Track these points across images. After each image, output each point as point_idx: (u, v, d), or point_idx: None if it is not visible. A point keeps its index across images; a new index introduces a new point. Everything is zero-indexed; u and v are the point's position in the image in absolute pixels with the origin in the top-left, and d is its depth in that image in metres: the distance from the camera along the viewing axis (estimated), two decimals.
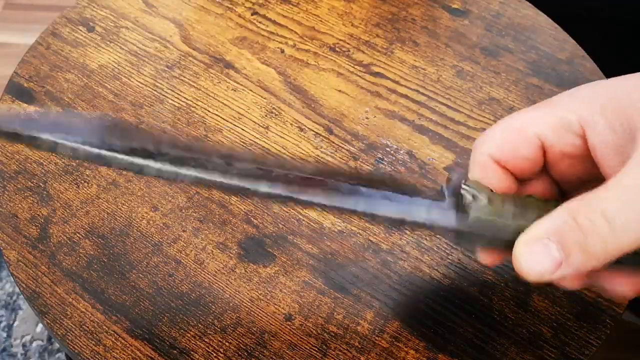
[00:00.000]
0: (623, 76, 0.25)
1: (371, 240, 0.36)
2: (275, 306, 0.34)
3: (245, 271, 0.36)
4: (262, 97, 0.43)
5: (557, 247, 0.23)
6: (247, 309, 0.34)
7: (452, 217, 0.26)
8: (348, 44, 0.45)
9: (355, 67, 0.44)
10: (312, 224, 0.37)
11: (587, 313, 0.34)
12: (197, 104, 0.42)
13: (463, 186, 0.27)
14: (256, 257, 0.36)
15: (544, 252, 0.23)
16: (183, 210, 0.38)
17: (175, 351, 0.33)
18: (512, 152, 0.26)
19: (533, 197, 0.26)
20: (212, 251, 0.36)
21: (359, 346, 0.33)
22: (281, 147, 0.40)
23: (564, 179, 0.28)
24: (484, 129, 0.40)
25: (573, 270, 0.23)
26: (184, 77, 0.44)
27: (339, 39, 0.46)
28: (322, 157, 0.40)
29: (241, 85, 0.43)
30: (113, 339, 0.33)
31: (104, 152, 0.27)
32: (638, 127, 0.23)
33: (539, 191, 0.29)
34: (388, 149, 0.40)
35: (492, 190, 0.27)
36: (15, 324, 0.83)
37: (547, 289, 0.35)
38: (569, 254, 0.23)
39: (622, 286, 0.26)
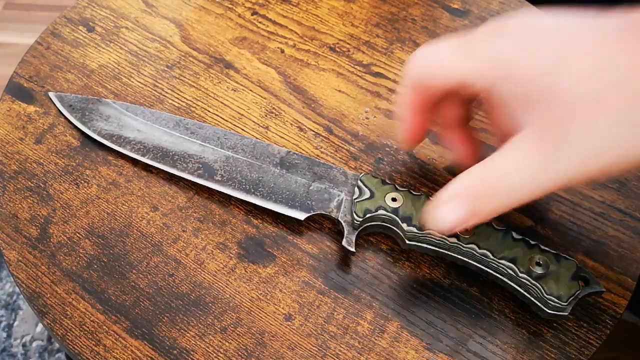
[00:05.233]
0: (532, 29, 0.29)
1: (371, 241, 0.36)
2: (275, 306, 0.34)
3: (245, 271, 0.36)
4: (262, 97, 0.43)
5: (470, 202, 0.29)
6: (247, 309, 0.34)
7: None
8: (348, 44, 0.45)
9: (355, 67, 0.44)
10: (312, 224, 0.37)
11: (587, 313, 0.34)
12: (197, 104, 0.42)
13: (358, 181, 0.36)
14: (256, 257, 0.36)
15: (456, 207, 0.29)
16: (183, 210, 0.38)
17: (175, 351, 0.33)
18: (438, 81, 0.32)
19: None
20: (212, 251, 0.36)
21: (359, 346, 0.33)
22: (281, 147, 0.40)
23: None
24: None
25: (481, 218, 0.30)
26: (184, 77, 0.44)
27: (339, 39, 0.46)
28: (322, 157, 0.40)
29: (241, 85, 0.43)
30: (113, 339, 0.33)
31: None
32: (533, 102, 0.28)
33: (451, 114, 0.35)
34: (388, 149, 0.40)
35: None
36: (15, 324, 0.83)
37: None
38: (480, 205, 0.29)
39: None
